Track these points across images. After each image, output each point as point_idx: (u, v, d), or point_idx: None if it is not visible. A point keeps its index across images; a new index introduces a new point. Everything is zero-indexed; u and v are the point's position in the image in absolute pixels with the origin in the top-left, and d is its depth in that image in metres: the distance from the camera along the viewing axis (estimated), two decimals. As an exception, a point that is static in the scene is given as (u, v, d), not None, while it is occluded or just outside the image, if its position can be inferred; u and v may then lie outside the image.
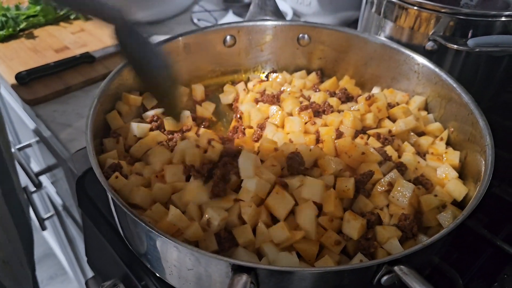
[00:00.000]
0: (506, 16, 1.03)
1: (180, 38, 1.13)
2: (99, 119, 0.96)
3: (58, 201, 1.86)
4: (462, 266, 0.93)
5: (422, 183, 0.90)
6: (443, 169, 0.93)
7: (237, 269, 0.65)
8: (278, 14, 1.34)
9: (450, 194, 0.88)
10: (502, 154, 0.86)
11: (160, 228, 0.76)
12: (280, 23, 1.21)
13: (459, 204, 0.89)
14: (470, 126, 0.95)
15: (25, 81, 1.31)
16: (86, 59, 1.40)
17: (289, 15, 1.65)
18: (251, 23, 1.20)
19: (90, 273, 1.73)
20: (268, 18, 1.23)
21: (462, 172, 0.95)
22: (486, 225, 0.98)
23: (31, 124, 1.54)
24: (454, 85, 1.00)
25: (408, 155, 0.95)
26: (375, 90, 1.17)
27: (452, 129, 1.02)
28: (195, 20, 1.69)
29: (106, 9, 0.71)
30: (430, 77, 1.06)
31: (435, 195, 0.86)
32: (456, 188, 0.88)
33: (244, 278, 0.63)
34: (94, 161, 0.78)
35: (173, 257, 0.74)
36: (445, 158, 0.96)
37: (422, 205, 0.85)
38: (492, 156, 0.84)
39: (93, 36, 1.55)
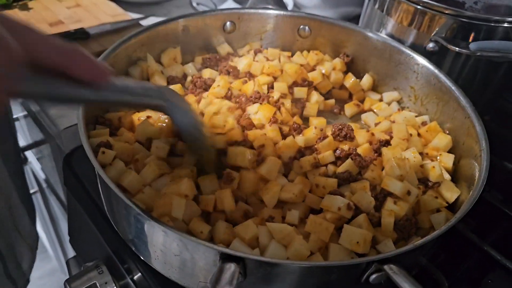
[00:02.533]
0: (509, 22, 1.03)
1: (180, 20, 1.11)
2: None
3: (42, 177, 1.83)
4: (447, 268, 0.93)
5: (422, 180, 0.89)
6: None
7: (226, 258, 0.64)
8: (280, 4, 1.32)
9: (442, 196, 0.88)
10: (494, 160, 0.86)
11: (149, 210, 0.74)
12: (282, 12, 1.19)
13: (449, 207, 0.89)
14: (466, 129, 0.94)
15: (17, 53, 1.28)
16: (81, 35, 1.37)
17: (290, 6, 1.63)
18: (252, 10, 1.18)
19: (71, 253, 1.71)
20: (270, 7, 1.21)
21: (455, 175, 0.95)
22: (473, 229, 0.98)
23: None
24: (453, 88, 0.99)
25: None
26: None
27: (447, 131, 1.01)
28: (194, 4, 1.67)
29: (153, 99, 0.74)
30: (429, 78, 1.06)
31: (436, 197, 0.86)
32: (448, 190, 0.87)
33: (232, 267, 0.62)
34: (84, 138, 0.76)
35: (160, 241, 0.72)
36: (438, 159, 0.96)
37: (420, 205, 0.85)
38: (487, 162, 0.83)
39: (89, 12, 1.51)
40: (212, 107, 0.96)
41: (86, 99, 0.64)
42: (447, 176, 0.92)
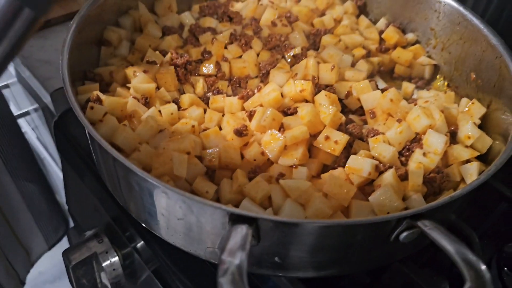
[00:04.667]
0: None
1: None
2: (79, 49, 0.83)
3: (39, 148, 1.75)
4: (475, 222, 0.85)
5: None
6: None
7: (236, 220, 0.56)
8: None
9: (473, 146, 0.79)
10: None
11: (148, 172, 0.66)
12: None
13: (480, 157, 0.80)
14: (497, 71, 0.85)
15: (-2, 11, 1.18)
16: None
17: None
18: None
19: (71, 223, 1.65)
20: None
21: (484, 124, 0.86)
22: (502, 179, 0.90)
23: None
24: (481, 25, 0.89)
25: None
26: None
27: (474, 75, 0.91)
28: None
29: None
30: (453, 17, 0.95)
31: (466, 146, 0.77)
32: (480, 139, 0.78)
33: (244, 229, 0.54)
34: (70, 95, 0.67)
35: (161, 204, 0.64)
36: (466, 109, 0.86)
37: (449, 156, 0.76)
38: (525, 105, 0.74)
39: (75, -34, 1.39)
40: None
41: None
42: (477, 122, 0.83)
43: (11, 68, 1.43)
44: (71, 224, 1.70)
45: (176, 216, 0.63)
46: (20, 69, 1.20)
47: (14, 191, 1.22)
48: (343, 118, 0.77)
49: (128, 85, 0.81)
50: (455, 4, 0.94)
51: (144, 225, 0.75)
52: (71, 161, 1.00)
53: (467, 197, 0.65)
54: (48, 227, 1.39)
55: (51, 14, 1.21)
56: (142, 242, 0.86)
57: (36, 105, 1.42)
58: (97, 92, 0.76)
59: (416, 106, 0.80)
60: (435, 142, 0.74)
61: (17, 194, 1.22)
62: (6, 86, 1.56)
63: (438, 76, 1.02)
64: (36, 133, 1.72)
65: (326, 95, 0.79)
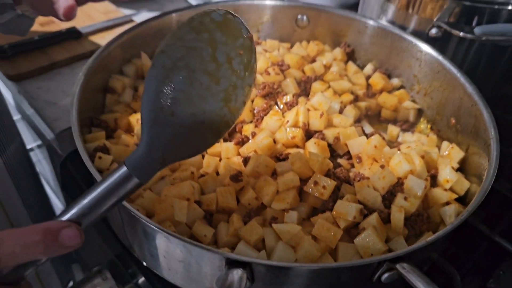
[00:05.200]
0: (514, 4, 1.00)
1: (173, 14, 1.07)
2: (86, 97, 0.90)
3: (42, 181, 1.80)
4: (458, 261, 0.91)
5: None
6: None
7: (232, 263, 0.62)
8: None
9: (452, 188, 0.85)
10: (501, 149, 0.83)
11: (150, 217, 0.72)
12: (278, 3, 1.16)
13: (458, 198, 0.86)
14: (473, 118, 0.92)
15: (7, 55, 1.25)
16: (73, 34, 1.33)
17: (286, -4, 1.59)
18: (248, 2, 1.15)
19: (71, 258, 1.68)
20: (266, -3, 1.17)
21: (463, 167, 0.92)
22: (483, 220, 0.96)
23: (13, 101, 1.47)
24: (458, 74, 0.96)
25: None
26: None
27: (454, 120, 0.98)
28: (188, -2, 1.63)
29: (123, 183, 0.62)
30: (433, 65, 1.03)
31: (445, 189, 0.83)
32: (458, 182, 0.85)
33: (239, 272, 0.60)
34: (80, 144, 0.73)
35: (163, 247, 0.69)
36: (446, 152, 0.93)
37: (430, 199, 0.82)
38: (497, 150, 0.81)
39: (80, 11, 1.45)
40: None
41: None
42: (456, 166, 0.89)
43: (15, 106, 1.49)
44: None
45: (177, 258, 0.68)
46: (25, 106, 1.26)
47: (27, 220, 1.26)
48: (331, 164, 0.83)
49: (132, 133, 0.88)
50: (435, 54, 1.02)
51: (146, 264, 0.81)
52: (75, 199, 1.06)
53: (443, 240, 0.71)
54: (60, 266, 1.42)
55: (57, 57, 1.29)
56: (144, 278, 0.90)
57: (39, 142, 1.47)
58: (104, 141, 0.82)
59: (398, 152, 0.87)
60: (415, 186, 0.80)
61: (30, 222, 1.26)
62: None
63: (421, 119, 1.09)
64: (38, 167, 1.77)
65: (315, 143, 0.86)
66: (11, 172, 1.16)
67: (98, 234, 0.97)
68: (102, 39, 1.35)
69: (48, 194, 1.76)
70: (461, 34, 0.98)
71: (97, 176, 0.70)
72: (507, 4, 0.99)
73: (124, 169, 0.58)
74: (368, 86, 1.12)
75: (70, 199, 1.08)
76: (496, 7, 0.99)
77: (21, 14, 1.00)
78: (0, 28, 0.96)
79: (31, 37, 1.28)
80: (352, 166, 0.91)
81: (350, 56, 1.18)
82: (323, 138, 0.90)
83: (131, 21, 1.44)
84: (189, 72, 0.61)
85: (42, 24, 1.39)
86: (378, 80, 1.10)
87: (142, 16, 1.48)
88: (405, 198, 0.79)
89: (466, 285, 0.89)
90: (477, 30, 0.96)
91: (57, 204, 1.68)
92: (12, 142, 1.16)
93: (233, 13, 0.66)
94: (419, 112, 1.09)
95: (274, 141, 0.88)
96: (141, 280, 0.92)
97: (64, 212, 0.58)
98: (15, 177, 1.20)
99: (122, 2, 1.53)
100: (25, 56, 1.27)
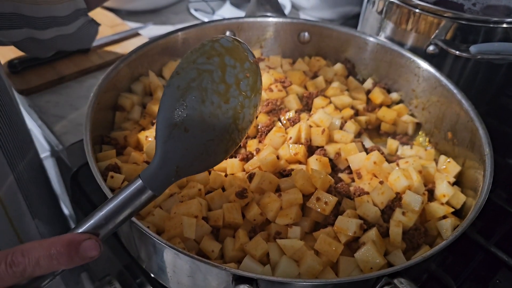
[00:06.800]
0: (508, 22, 1.03)
1: (180, 33, 1.11)
2: (96, 116, 0.93)
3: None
4: (455, 270, 0.94)
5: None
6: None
7: (238, 279, 0.65)
8: (277, 7, 1.32)
9: (448, 202, 0.89)
10: (497, 158, 0.86)
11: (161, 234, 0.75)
12: (281, 20, 1.20)
13: (456, 212, 0.90)
14: (469, 132, 0.95)
15: (17, 69, 1.28)
16: (81, 49, 1.37)
17: (288, 8, 1.63)
18: (251, 19, 1.19)
19: (81, 268, 1.71)
20: (268, 14, 1.21)
21: (460, 180, 0.96)
22: (479, 230, 1.00)
23: (23, 114, 1.51)
24: (455, 91, 1.00)
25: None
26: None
27: (451, 134, 1.02)
28: (192, 10, 1.66)
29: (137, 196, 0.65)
30: (431, 81, 1.06)
31: (442, 203, 0.87)
32: (454, 196, 0.88)
33: (246, 288, 0.64)
34: (93, 164, 0.77)
35: (172, 263, 0.73)
36: (444, 166, 0.96)
37: (427, 213, 0.86)
38: (492, 167, 0.84)
39: (87, 25, 1.51)
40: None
41: None
42: (452, 180, 0.93)
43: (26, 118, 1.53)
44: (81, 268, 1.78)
45: (186, 273, 0.72)
46: (34, 119, 1.30)
47: (34, 230, 1.29)
48: (332, 181, 0.87)
49: (142, 151, 0.92)
50: (432, 70, 1.06)
51: (154, 276, 0.84)
52: (85, 212, 1.09)
53: (439, 254, 0.74)
54: (67, 273, 1.45)
55: (65, 71, 1.32)
56: (152, 288, 0.94)
57: (47, 153, 1.51)
58: (115, 160, 0.86)
59: (397, 168, 0.90)
60: (413, 202, 0.83)
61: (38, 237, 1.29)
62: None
63: (420, 133, 1.12)
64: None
65: (317, 159, 0.90)
66: (21, 186, 1.19)
67: (107, 245, 1.00)
68: (109, 53, 1.38)
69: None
70: (457, 52, 1.01)
71: (110, 195, 0.73)
72: (502, 22, 1.03)
73: (139, 182, 0.62)
74: (368, 100, 1.16)
75: (80, 212, 1.12)
76: (491, 25, 1.03)
77: (91, 20, 1.03)
78: (67, 40, 0.95)
79: (40, 52, 1.32)
80: (353, 180, 0.95)
81: (351, 71, 1.21)
82: (324, 154, 0.94)
83: (138, 34, 1.48)
84: (201, 92, 0.66)
85: (51, 39, 1.43)
86: (377, 95, 1.13)
87: (148, 29, 1.52)
88: (403, 213, 0.82)
89: (463, 294, 0.92)
90: (473, 49, 0.99)
91: (67, 212, 1.71)
92: (25, 156, 1.20)
93: (239, 39, 0.70)
94: (418, 126, 1.13)
95: (278, 157, 0.92)
96: (150, 290, 0.96)
97: (81, 224, 0.61)
98: (26, 190, 1.23)
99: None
100: (34, 71, 1.30)
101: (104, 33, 1.46)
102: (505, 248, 0.96)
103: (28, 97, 1.26)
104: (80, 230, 0.60)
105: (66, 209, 1.69)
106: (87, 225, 0.61)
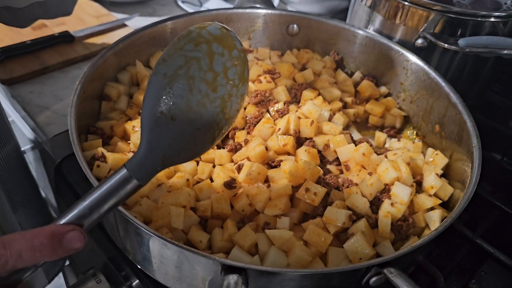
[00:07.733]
0: (495, 17, 1.04)
1: (168, 22, 1.10)
2: (82, 105, 0.91)
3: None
4: (441, 262, 0.95)
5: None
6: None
7: (227, 269, 0.64)
8: (267, 2, 1.31)
9: (436, 194, 0.89)
10: (483, 153, 0.87)
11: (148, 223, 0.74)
12: (270, 11, 1.19)
13: (443, 204, 0.90)
14: (457, 125, 0.96)
15: (-1, 59, 1.25)
16: (65, 38, 1.34)
17: (276, 2, 1.62)
18: (240, 10, 1.17)
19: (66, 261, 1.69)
20: (257, 5, 1.20)
21: (447, 172, 0.96)
22: (465, 222, 1.00)
23: (6, 105, 1.48)
24: (443, 84, 1.00)
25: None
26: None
27: (438, 127, 1.02)
28: (179, 2, 1.65)
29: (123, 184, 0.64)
30: (419, 74, 1.06)
31: (430, 195, 0.87)
32: (442, 188, 0.89)
33: (235, 277, 0.63)
34: (79, 154, 0.75)
35: (160, 253, 0.72)
36: (431, 159, 0.97)
37: (415, 205, 0.86)
38: (480, 158, 0.85)
39: (73, 15, 1.47)
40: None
41: None
42: (439, 172, 0.93)
43: (8, 109, 1.50)
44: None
45: (173, 264, 0.71)
46: (17, 110, 1.27)
47: (15, 222, 1.26)
48: (321, 171, 0.87)
49: (128, 141, 0.90)
50: (421, 63, 1.06)
51: (141, 268, 0.83)
52: (69, 204, 1.07)
53: (427, 245, 0.74)
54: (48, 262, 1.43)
55: (49, 61, 1.29)
56: (138, 281, 0.92)
57: (31, 145, 1.48)
58: (101, 150, 0.84)
59: (385, 159, 0.90)
60: (401, 193, 0.83)
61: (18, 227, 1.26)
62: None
63: (408, 126, 1.13)
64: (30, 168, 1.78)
65: (306, 150, 0.89)
66: (1, 177, 1.16)
67: (91, 237, 0.99)
68: (95, 43, 1.36)
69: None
70: (446, 45, 1.02)
71: (96, 184, 0.72)
72: (489, 16, 1.03)
73: (124, 171, 0.60)
74: (356, 93, 1.15)
75: (64, 204, 1.10)
76: (479, 19, 1.04)
77: None
78: (44, 8, 0.92)
79: (23, 41, 1.29)
80: (341, 172, 0.94)
81: (339, 64, 1.21)
82: (313, 145, 0.93)
83: (124, 25, 1.45)
84: (188, 80, 0.64)
85: (34, 28, 1.40)
86: (366, 88, 1.13)
87: (135, 20, 1.50)
88: (392, 204, 0.82)
89: (449, 285, 0.93)
90: (461, 42, 1.00)
91: (53, 204, 1.68)
92: (3, 148, 1.17)
93: (227, 27, 0.69)
94: (406, 119, 1.13)
95: (266, 148, 0.91)
96: (135, 282, 0.94)
97: (65, 214, 0.59)
98: (6, 182, 1.20)
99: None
100: (17, 60, 1.27)
101: (89, 23, 1.44)
102: (491, 240, 0.97)
103: (11, 87, 1.23)
104: (64, 221, 0.58)
105: (50, 202, 1.66)
106: (70, 216, 0.59)
